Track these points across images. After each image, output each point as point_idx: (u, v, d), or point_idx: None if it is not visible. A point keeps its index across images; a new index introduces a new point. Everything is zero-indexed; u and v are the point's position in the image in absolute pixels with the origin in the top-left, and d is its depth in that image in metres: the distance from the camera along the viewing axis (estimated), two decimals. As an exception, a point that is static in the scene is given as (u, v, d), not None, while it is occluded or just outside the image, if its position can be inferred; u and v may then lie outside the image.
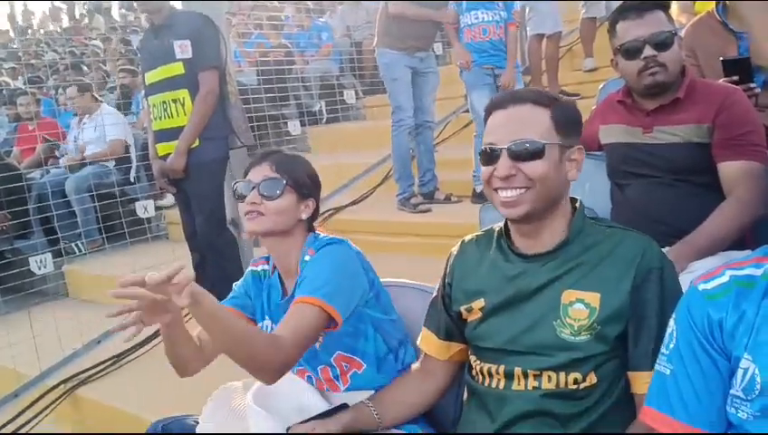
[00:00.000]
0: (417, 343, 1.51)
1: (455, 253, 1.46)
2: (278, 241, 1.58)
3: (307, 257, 1.53)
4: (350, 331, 1.53)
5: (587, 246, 1.28)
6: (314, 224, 1.65)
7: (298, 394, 1.49)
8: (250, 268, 1.70)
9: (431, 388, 1.48)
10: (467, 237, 1.47)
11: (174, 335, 1.41)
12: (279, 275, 1.63)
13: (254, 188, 1.55)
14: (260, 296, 1.64)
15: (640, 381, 1.21)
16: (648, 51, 1.80)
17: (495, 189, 1.29)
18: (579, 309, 1.24)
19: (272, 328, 1.60)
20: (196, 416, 1.55)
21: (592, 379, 1.23)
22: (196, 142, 3.06)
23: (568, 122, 1.31)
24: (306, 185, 1.60)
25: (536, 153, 1.26)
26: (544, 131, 1.28)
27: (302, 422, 1.40)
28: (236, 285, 1.69)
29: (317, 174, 1.65)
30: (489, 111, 1.34)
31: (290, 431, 1.37)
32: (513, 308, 1.30)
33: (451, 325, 1.43)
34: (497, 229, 1.40)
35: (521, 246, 1.34)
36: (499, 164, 1.27)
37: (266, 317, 1.63)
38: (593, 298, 1.24)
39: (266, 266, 1.67)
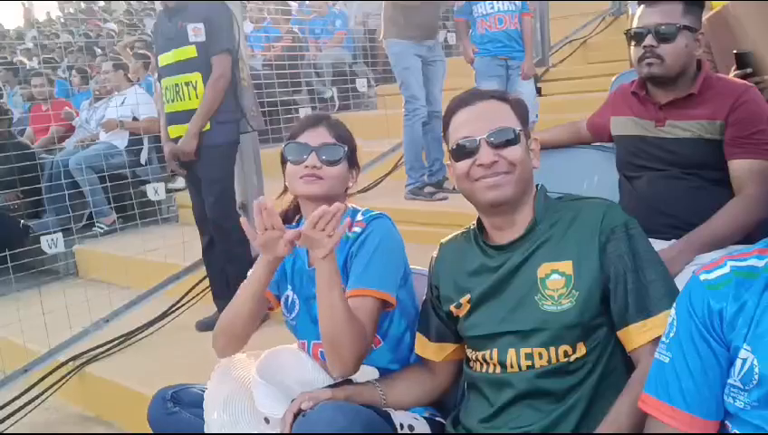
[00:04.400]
0: (415, 348, 1.54)
1: (435, 257, 1.52)
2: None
3: (357, 229, 1.52)
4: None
5: (553, 222, 1.35)
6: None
7: (303, 369, 1.49)
8: None
9: (433, 385, 1.53)
10: (444, 240, 1.53)
11: (265, 280, 1.47)
12: None
13: (312, 151, 1.52)
14: (283, 264, 1.59)
15: (630, 337, 1.24)
16: (649, 40, 1.79)
17: (476, 179, 1.34)
18: (555, 280, 1.30)
19: (293, 298, 1.60)
20: (202, 385, 1.55)
21: (582, 349, 1.27)
22: (208, 126, 3.07)
23: (524, 115, 1.42)
24: (354, 154, 1.61)
25: (513, 139, 1.35)
26: (513, 121, 1.38)
27: (307, 392, 1.40)
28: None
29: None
30: (453, 110, 1.41)
31: (294, 403, 1.37)
32: (497, 294, 1.36)
33: (442, 327, 1.48)
34: (472, 228, 1.46)
35: (496, 238, 1.40)
36: (480, 154, 1.33)
37: (288, 287, 1.62)
38: (566, 266, 1.30)
39: None
